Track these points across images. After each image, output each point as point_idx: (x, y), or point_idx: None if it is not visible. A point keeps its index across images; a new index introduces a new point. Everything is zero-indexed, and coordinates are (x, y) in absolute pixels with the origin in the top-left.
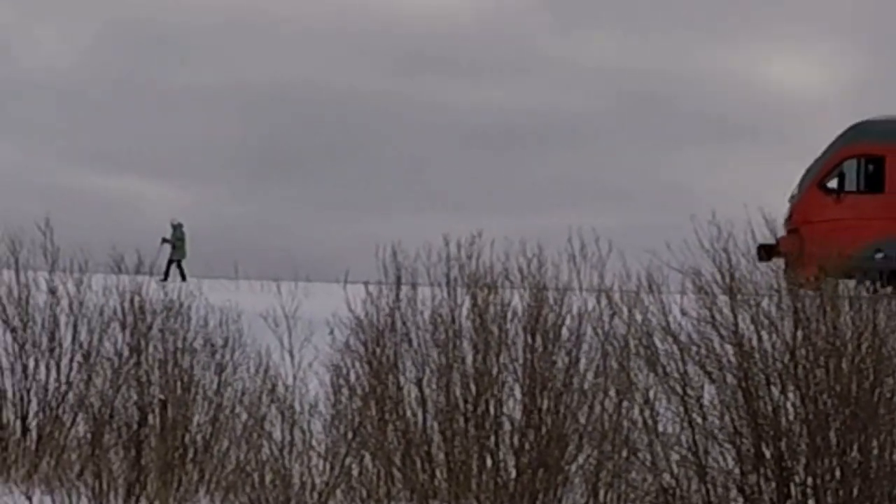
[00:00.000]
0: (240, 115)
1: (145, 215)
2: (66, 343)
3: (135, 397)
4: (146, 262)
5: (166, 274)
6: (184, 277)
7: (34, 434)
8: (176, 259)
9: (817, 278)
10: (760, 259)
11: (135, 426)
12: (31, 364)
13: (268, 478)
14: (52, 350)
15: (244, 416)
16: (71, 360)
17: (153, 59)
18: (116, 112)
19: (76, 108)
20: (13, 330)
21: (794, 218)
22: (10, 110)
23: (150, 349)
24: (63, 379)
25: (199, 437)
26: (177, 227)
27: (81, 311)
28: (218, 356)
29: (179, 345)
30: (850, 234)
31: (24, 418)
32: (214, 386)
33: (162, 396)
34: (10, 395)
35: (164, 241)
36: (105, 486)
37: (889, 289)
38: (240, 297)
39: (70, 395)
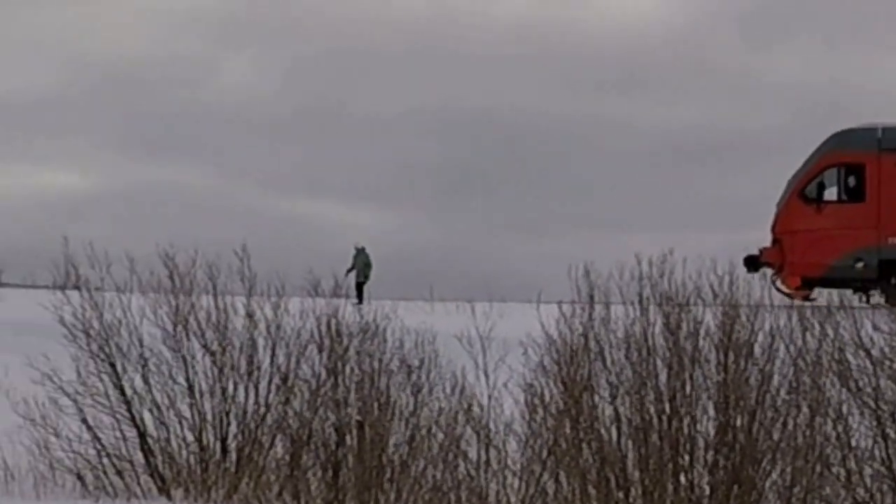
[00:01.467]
0: (435, 140)
1: (341, 239)
2: (265, 366)
3: (332, 418)
4: (343, 285)
5: (359, 297)
6: (360, 300)
7: (234, 455)
8: (360, 282)
9: (799, 288)
10: (748, 270)
11: (332, 447)
12: (231, 387)
13: (464, 496)
14: (250, 373)
15: (440, 436)
16: (269, 383)
17: (348, 87)
18: (311, 139)
19: (271, 135)
20: (212, 354)
21: (776, 228)
22: (207, 138)
23: (347, 371)
24: (262, 401)
25: (396, 458)
26: (360, 251)
27: (279, 335)
28: (414, 377)
29: (376, 366)
30: (831, 243)
31: (223, 440)
32: (411, 406)
33: (359, 417)
34: (210, 417)
35: (349, 270)
36: None
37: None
38: (435, 319)
39: (269, 417)
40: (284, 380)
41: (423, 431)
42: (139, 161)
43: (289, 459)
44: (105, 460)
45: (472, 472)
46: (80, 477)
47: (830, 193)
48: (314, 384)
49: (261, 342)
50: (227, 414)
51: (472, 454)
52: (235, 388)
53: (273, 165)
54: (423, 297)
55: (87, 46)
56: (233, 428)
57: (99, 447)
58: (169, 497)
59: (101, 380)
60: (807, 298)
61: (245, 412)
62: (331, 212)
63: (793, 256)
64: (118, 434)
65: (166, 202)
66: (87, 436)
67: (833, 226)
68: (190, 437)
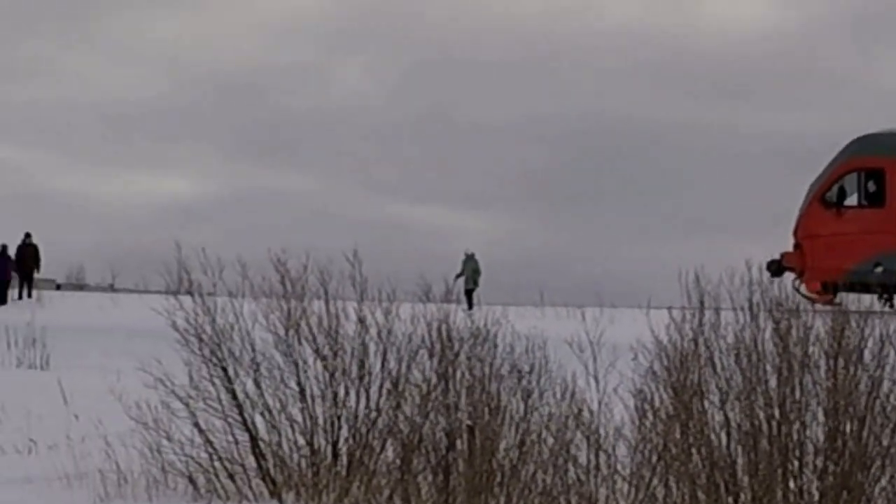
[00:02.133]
0: (544, 147)
1: (451, 245)
2: (375, 371)
3: (443, 423)
4: (453, 291)
5: (469, 303)
6: (470, 306)
7: (345, 459)
8: (469, 288)
9: (820, 293)
10: (772, 275)
11: (443, 451)
12: (342, 391)
13: (574, 501)
14: (361, 378)
15: (550, 441)
16: (380, 388)
17: (458, 95)
18: (422, 146)
19: (382, 141)
20: (324, 358)
21: (797, 232)
22: (318, 144)
23: (458, 376)
24: (372, 406)
25: (506, 462)
26: (469, 258)
27: (390, 340)
28: (524, 382)
29: (486, 371)
30: (851, 248)
31: (335, 444)
32: (521, 411)
33: (469, 422)
34: (321, 421)
35: (458, 276)
36: None
37: None
38: (546, 324)
39: (379, 421)
40: (395, 384)
41: (533, 436)
42: (251, 167)
43: (399, 463)
44: (217, 463)
45: (582, 477)
46: (191, 480)
47: (850, 198)
48: (425, 389)
49: (372, 347)
50: (339, 418)
51: (582, 459)
52: (346, 393)
53: (384, 171)
54: (533, 303)
55: (200, 56)
56: (344, 432)
57: (211, 451)
58: (280, 500)
59: (213, 384)
60: (829, 303)
61: (356, 416)
62: (441, 218)
63: (813, 261)
64: (230, 438)
65: (278, 208)
66: (198, 439)
67: (853, 230)
68: (301, 441)
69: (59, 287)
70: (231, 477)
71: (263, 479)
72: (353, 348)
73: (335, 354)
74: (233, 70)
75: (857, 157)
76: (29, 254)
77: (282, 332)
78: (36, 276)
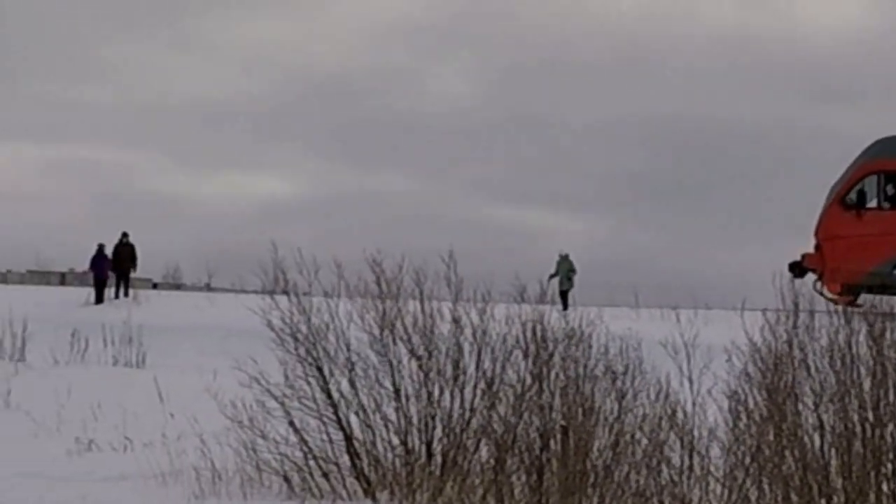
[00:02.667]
0: (640, 149)
1: (546, 246)
2: (470, 371)
3: (537, 423)
4: (548, 292)
5: (564, 304)
6: (565, 307)
7: (439, 459)
8: (564, 289)
9: (841, 294)
10: (794, 276)
11: (537, 451)
12: (436, 391)
13: (667, 502)
14: (456, 378)
15: (644, 442)
16: (474, 388)
17: (554, 97)
18: (518, 147)
19: (477, 142)
20: (419, 358)
21: (818, 234)
22: (414, 145)
23: (552, 376)
24: (467, 406)
25: (599, 463)
26: (564, 258)
27: (485, 340)
28: (618, 383)
29: (581, 372)
30: (870, 249)
31: (429, 444)
32: (615, 412)
33: (563, 423)
34: (415, 421)
35: (552, 276)
36: None
37: None
38: (640, 325)
39: (474, 421)
40: (490, 385)
41: (627, 437)
42: (347, 168)
43: (493, 463)
44: (311, 462)
45: (675, 478)
46: (286, 478)
47: (870, 200)
48: (519, 389)
49: (467, 347)
50: (433, 418)
51: (676, 460)
52: (441, 393)
53: (479, 173)
54: (628, 304)
55: (299, 58)
56: (438, 432)
57: (305, 449)
58: (374, 499)
59: (309, 383)
60: (851, 304)
61: (450, 416)
62: (536, 218)
63: (833, 262)
64: (324, 437)
65: (373, 208)
66: (293, 438)
67: (873, 232)
68: (396, 441)
69: (155, 286)
70: (325, 476)
71: (357, 478)
72: (447, 348)
73: (430, 354)
74: (329, 71)
75: (878, 159)
76: (125, 253)
77: (377, 331)
78: (132, 275)
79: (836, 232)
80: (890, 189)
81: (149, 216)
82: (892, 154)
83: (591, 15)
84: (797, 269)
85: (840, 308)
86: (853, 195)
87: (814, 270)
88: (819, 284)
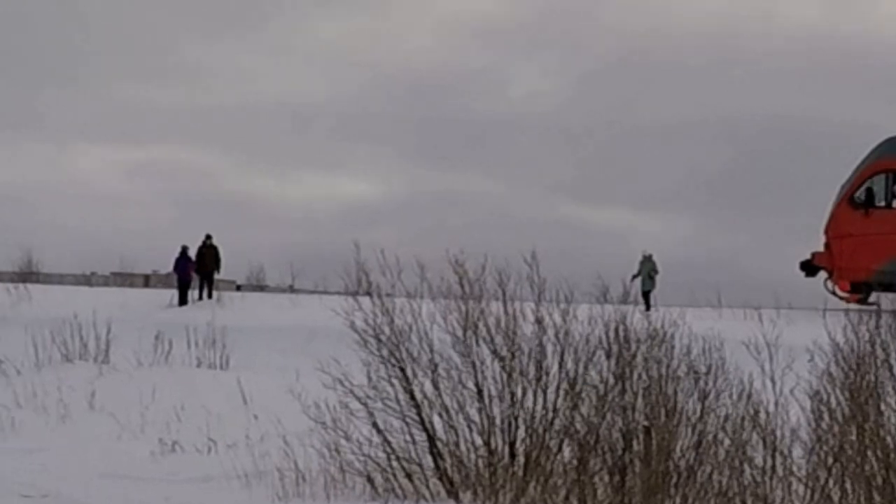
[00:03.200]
0: (723, 149)
1: (630, 246)
2: (553, 371)
3: (619, 424)
4: (630, 292)
5: (647, 305)
6: (648, 307)
7: (522, 459)
8: (647, 290)
9: (850, 292)
10: (806, 275)
11: (619, 452)
12: (519, 392)
13: (750, 502)
14: (538, 378)
15: (727, 442)
16: (557, 388)
17: (637, 96)
18: (601, 147)
19: (561, 143)
20: (501, 359)
21: (827, 232)
22: (497, 146)
23: (635, 377)
24: (549, 406)
25: (682, 463)
26: (647, 259)
27: (567, 341)
28: (701, 383)
29: (663, 372)
30: (878, 248)
31: (512, 444)
32: (697, 412)
33: (646, 423)
34: (498, 421)
35: (635, 277)
36: None
37: None
38: (722, 326)
39: (556, 421)
40: (572, 385)
41: (710, 437)
42: (429, 169)
43: (576, 464)
44: (395, 463)
45: (758, 478)
46: (369, 479)
47: (878, 199)
48: (602, 390)
49: (549, 348)
50: (516, 418)
51: (758, 460)
52: (524, 393)
53: (562, 173)
54: (710, 304)
55: (383, 58)
56: (521, 432)
57: (389, 450)
58: (457, 500)
59: (392, 384)
60: (861, 302)
61: (533, 417)
62: (619, 219)
63: (841, 261)
64: (408, 437)
65: (456, 209)
66: (376, 439)
67: (881, 231)
68: (478, 441)
69: (239, 288)
70: (409, 476)
71: (441, 479)
72: (530, 349)
73: (513, 355)
74: (413, 72)
75: (886, 158)
76: (209, 255)
77: (460, 332)
78: (216, 276)
79: (844, 230)
80: None
81: (233, 218)
82: None
83: (673, 14)
84: (808, 267)
85: None
86: (861, 194)
87: (824, 269)
88: (830, 283)
